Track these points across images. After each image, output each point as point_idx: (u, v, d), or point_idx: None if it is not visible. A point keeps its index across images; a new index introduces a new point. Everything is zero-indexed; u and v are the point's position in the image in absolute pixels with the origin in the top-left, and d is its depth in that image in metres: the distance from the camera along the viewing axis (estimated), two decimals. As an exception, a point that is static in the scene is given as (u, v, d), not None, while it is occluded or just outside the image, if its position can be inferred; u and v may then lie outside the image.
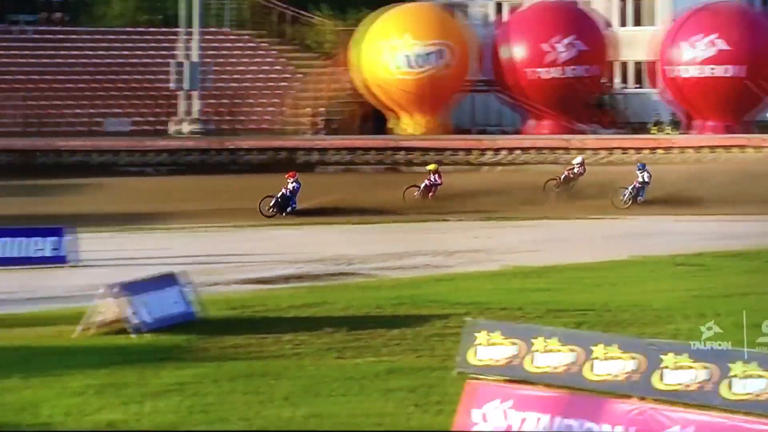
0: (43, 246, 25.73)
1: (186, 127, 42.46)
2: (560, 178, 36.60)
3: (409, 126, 44.43)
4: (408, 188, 35.71)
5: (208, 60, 43.69)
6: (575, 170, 36.86)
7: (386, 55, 44.23)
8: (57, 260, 25.66)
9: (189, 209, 34.09)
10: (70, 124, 41.85)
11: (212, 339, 19.28)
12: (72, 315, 20.26)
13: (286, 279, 24.57)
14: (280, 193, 33.76)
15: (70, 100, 42.32)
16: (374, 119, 44.99)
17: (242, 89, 44.53)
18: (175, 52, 43.26)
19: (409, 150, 41.51)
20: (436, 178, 36.21)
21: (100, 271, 24.29)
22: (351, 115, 45.11)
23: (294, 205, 33.86)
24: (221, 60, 45.13)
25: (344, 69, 45.05)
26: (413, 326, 19.79)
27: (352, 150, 41.32)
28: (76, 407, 15.93)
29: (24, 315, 21.03)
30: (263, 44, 46.60)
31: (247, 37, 46.69)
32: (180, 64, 42.33)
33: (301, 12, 46.80)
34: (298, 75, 45.39)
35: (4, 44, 43.61)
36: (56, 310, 21.28)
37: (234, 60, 45.74)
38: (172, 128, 42.51)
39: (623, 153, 41.29)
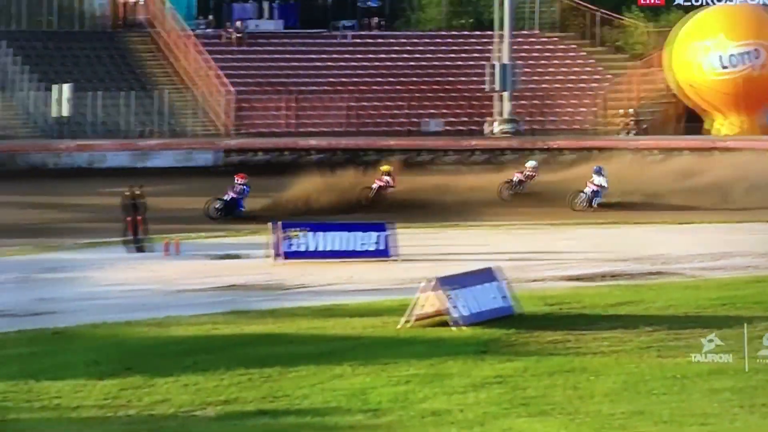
0: (368, 240, 26.80)
1: (498, 127, 42.99)
2: (512, 181, 35.78)
3: (724, 127, 43.43)
4: (362, 189, 34.64)
5: (520, 62, 44.04)
6: (526, 173, 35.99)
7: (699, 55, 43.36)
8: (380, 254, 26.64)
9: (499, 206, 34.57)
10: (389, 125, 43.09)
11: (531, 334, 19.55)
12: (395, 307, 21.01)
13: (602, 277, 24.56)
14: (229, 196, 31.53)
15: (389, 101, 43.56)
16: (688, 120, 44.18)
17: (553, 90, 44.61)
18: (487, 55, 43.85)
19: (724, 150, 40.55)
20: (389, 179, 35.05)
21: (419, 266, 25.03)
22: (664, 116, 44.46)
23: (242, 209, 31.77)
24: (532, 62, 45.36)
25: (657, 70, 44.46)
26: (735, 327, 19.44)
27: (664, 150, 40.75)
28: (403, 395, 16.53)
29: (351, 305, 21.92)
30: (573, 46, 46.51)
31: (557, 39, 46.74)
32: (493, 66, 42.90)
33: (612, 14, 46.49)
34: (609, 76, 45.10)
35: (328, 48, 45.29)
36: (380, 302, 22.09)
37: (544, 62, 45.87)
38: (486, 128, 43.15)
39: None
